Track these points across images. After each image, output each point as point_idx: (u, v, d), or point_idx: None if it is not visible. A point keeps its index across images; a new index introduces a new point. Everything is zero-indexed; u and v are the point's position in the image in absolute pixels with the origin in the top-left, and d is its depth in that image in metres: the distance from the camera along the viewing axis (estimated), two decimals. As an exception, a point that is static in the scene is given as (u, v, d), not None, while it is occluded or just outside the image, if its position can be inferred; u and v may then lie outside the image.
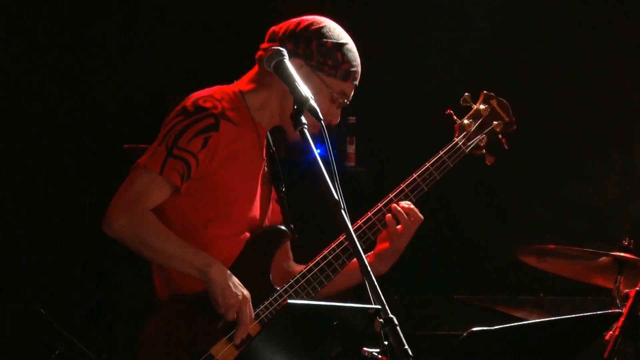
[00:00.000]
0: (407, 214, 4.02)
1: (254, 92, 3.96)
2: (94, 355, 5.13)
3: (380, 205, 4.05)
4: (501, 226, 6.78)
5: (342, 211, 3.12)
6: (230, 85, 4.01)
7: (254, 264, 3.92)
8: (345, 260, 3.97)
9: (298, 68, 3.82)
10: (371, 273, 3.01)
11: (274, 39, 3.95)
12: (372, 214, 4.03)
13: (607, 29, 6.83)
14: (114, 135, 6.32)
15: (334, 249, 3.98)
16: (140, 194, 3.77)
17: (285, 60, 3.46)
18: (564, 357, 3.42)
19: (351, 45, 3.97)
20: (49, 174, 6.40)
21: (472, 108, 4.22)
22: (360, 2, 6.77)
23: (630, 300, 3.66)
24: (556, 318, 3.36)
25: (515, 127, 4.23)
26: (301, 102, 3.32)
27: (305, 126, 3.27)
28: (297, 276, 3.95)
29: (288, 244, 4.14)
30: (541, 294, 5.51)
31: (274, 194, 4.09)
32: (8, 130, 6.40)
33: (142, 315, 4.03)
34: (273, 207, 4.08)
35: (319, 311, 3.07)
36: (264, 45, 3.97)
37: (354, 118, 6.44)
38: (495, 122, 4.22)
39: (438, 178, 4.09)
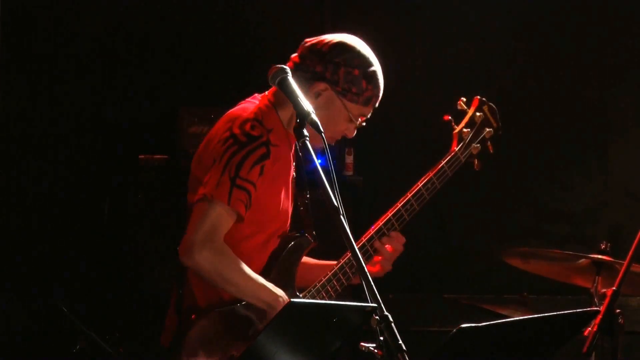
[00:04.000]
0: (394, 239, 4.04)
1: (283, 105, 3.89)
2: (112, 349, 5.13)
3: (389, 214, 4.04)
4: (488, 230, 6.77)
5: (341, 217, 3.12)
6: (263, 98, 3.94)
7: (281, 272, 3.91)
8: (351, 275, 3.96)
9: (323, 90, 3.83)
10: (368, 274, 3.01)
11: (304, 58, 3.90)
12: (383, 224, 4.03)
13: (586, 41, 6.81)
14: (131, 146, 6.32)
15: (344, 265, 3.97)
16: (215, 225, 3.73)
17: (288, 77, 3.43)
18: (546, 352, 3.41)
19: (377, 71, 3.92)
20: (72, 182, 6.40)
21: (466, 113, 4.20)
22: (358, 13, 6.75)
23: (607, 299, 3.65)
24: (539, 315, 3.36)
25: (501, 132, 4.23)
26: (303, 115, 3.31)
27: (307, 138, 3.27)
28: (318, 285, 3.95)
29: None
30: (525, 293, 5.49)
31: (299, 197, 4.06)
32: (33, 142, 6.40)
33: (156, 313, 4.02)
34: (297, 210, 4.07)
35: (319, 309, 3.07)
36: (294, 57, 3.92)
37: (352, 130, 6.43)
38: (487, 130, 4.21)
39: (439, 187, 4.10)
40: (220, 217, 3.73)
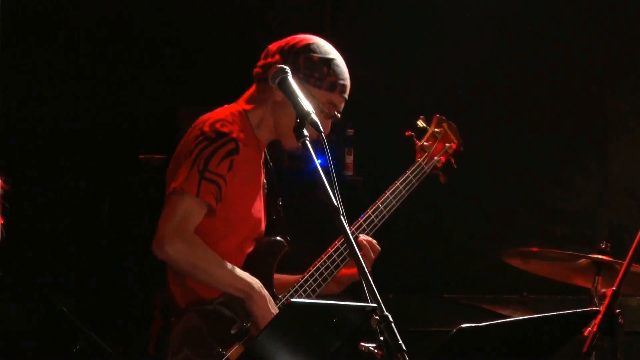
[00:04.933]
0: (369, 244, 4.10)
1: (254, 110, 4.00)
2: (112, 349, 5.13)
3: (360, 221, 4.13)
4: (488, 230, 6.77)
5: (341, 216, 3.12)
6: (233, 105, 4.04)
7: (258, 274, 3.92)
8: (334, 270, 4.01)
9: None
10: (368, 274, 3.01)
11: (267, 57, 3.98)
12: (355, 229, 4.11)
13: (586, 41, 6.81)
14: (131, 146, 6.32)
15: (327, 258, 4.01)
16: (185, 217, 3.77)
17: (288, 77, 3.45)
18: (546, 352, 3.41)
19: (338, 61, 4.00)
20: (71, 182, 6.40)
21: (427, 130, 4.38)
22: (358, 13, 6.75)
23: (607, 299, 3.66)
24: (539, 315, 3.35)
25: (462, 148, 4.36)
26: (303, 115, 3.31)
27: (307, 138, 3.27)
28: (296, 285, 3.97)
29: None
30: (525, 293, 5.49)
31: (272, 205, 4.10)
32: (33, 142, 6.40)
33: (152, 313, 4.03)
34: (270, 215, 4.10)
35: (319, 309, 3.06)
36: (260, 62, 4.01)
37: (352, 130, 6.44)
38: (447, 145, 4.36)
39: (406, 195, 4.22)
40: (189, 209, 3.78)
